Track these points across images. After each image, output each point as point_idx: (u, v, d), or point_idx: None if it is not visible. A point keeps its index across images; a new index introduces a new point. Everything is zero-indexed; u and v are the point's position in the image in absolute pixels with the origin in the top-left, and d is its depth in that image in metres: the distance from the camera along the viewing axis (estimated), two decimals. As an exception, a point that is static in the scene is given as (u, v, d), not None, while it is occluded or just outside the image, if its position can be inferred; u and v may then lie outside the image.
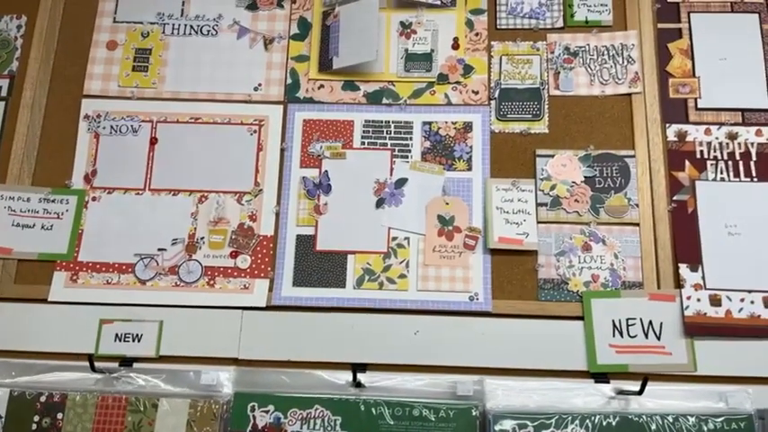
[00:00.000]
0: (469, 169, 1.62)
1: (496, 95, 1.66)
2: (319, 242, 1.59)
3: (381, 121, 1.66)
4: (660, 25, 1.68)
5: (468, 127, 1.64)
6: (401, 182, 1.62)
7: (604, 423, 1.31)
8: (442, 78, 1.68)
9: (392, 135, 1.65)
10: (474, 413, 1.36)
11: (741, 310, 1.47)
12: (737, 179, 1.56)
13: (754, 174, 1.56)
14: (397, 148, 1.64)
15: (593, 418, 1.32)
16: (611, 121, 1.62)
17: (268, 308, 1.54)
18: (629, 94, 1.64)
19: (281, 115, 1.68)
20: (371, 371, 1.48)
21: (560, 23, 1.70)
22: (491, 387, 1.40)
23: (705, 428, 1.28)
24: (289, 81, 1.71)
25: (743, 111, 1.61)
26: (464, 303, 1.53)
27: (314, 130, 1.67)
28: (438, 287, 1.54)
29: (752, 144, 1.58)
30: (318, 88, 1.70)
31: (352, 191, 1.62)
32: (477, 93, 1.67)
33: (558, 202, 1.57)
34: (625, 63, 1.65)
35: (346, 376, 1.44)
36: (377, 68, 1.69)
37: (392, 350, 1.50)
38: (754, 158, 1.57)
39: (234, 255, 1.58)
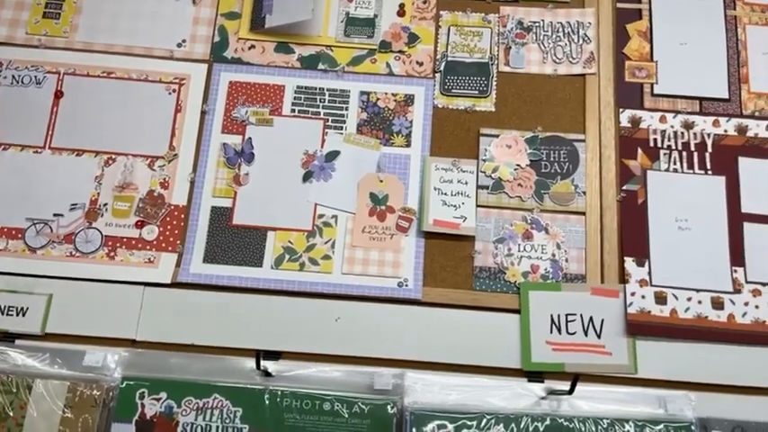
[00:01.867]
0: (408, 145, 1.48)
1: (442, 68, 1.53)
2: (237, 216, 1.43)
3: (315, 88, 1.52)
4: (619, 5, 1.57)
5: (409, 100, 1.51)
6: (333, 155, 1.47)
7: (531, 427, 1.18)
8: (385, 46, 1.54)
9: (326, 104, 1.51)
10: (391, 410, 1.22)
11: (687, 309, 1.37)
12: (691, 171, 1.46)
13: (708, 166, 1.46)
14: (330, 119, 1.50)
15: (520, 419, 1.19)
16: (562, 103, 1.51)
17: (173, 285, 1.38)
18: (583, 75, 1.52)
19: (205, 75, 1.52)
20: (286, 359, 1.33)
21: (515, -4, 1.58)
22: (411, 381, 1.26)
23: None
24: (216, 39, 1.55)
25: (701, 99, 1.51)
26: (392, 290, 1.39)
27: (240, 93, 1.51)
28: (365, 271, 1.40)
29: (708, 135, 1.48)
30: (249, 49, 1.55)
31: (277, 161, 1.47)
32: (421, 64, 1.53)
33: (501, 185, 1.45)
34: (580, 42, 1.54)
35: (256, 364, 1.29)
36: (314, 31, 1.55)
37: (310, 337, 1.35)
38: (709, 150, 1.47)
39: (140, 224, 1.42)
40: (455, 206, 1.43)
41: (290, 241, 1.42)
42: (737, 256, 1.41)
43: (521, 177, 1.45)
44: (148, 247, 1.40)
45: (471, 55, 1.54)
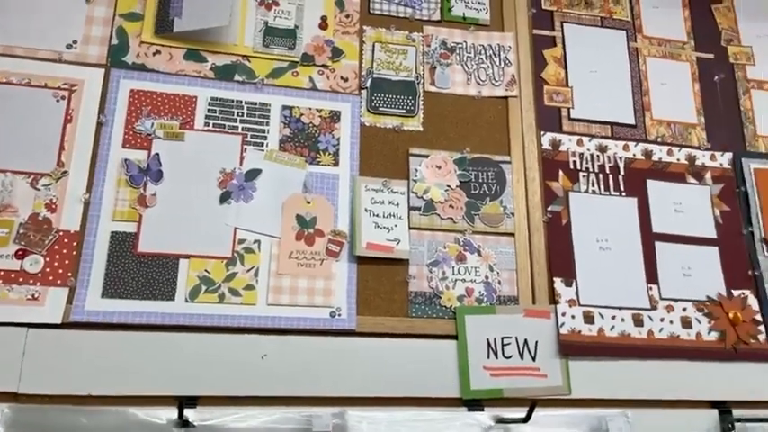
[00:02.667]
0: (336, 164, 1.39)
1: (368, 85, 1.47)
2: (143, 242, 1.25)
3: (232, 101, 1.38)
4: (536, 31, 1.61)
5: (335, 117, 1.42)
6: (253, 173, 1.34)
7: (485, 458, 1.12)
8: (307, 59, 1.45)
9: (244, 118, 1.38)
10: (334, 454, 1.10)
11: (613, 327, 1.40)
12: (607, 192, 1.52)
13: (622, 188, 1.53)
14: (249, 134, 1.37)
15: (471, 452, 1.13)
16: (488, 124, 1.50)
17: (65, 325, 1.17)
18: (506, 98, 1.53)
19: (101, 81, 1.33)
20: (204, 405, 1.16)
21: (437, 16, 1.57)
22: (354, 420, 1.15)
23: (589, 458, 1.16)
24: (114, 41, 1.37)
25: (612, 125, 1.58)
26: (324, 320, 1.28)
27: (144, 103, 1.34)
28: (293, 301, 1.28)
29: (620, 158, 1.55)
30: (153, 54, 1.38)
31: (189, 180, 1.31)
32: (346, 80, 1.46)
33: (433, 206, 1.40)
34: (502, 65, 1.55)
35: (170, 414, 1.11)
36: (229, 39, 1.42)
37: (232, 379, 1.20)
38: (622, 173, 1.54)
39: (21, 254, 1.19)
40: (388, 228, 1.36)
41: (206, 270, 1.26)
42: (652, 274, 1.47)
43: (452, 199, 1.42)
44: (32, 281, 1.18)
45: (397, 73, 1.49)
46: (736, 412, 1.38)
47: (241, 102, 1.39)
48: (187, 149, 1.33)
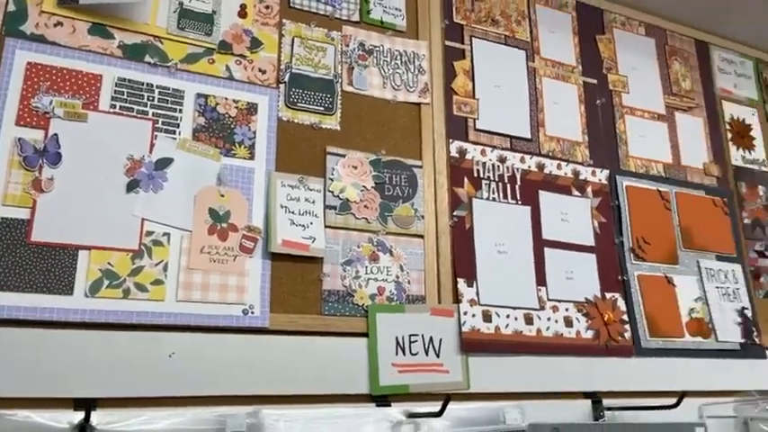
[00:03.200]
0: (252, 158, 1.36)
1: (286, 79, 1.45)
2: (37, 230, 1.14)
3: (142, 84, 1.30)
4: (447, 42, 1.68)
5: (252, 109, 1.39)
6: (164, 162, 1.27)
7: (399, 452, 1.17)
8: (225, 47, 1.40)
9: (156, 103, 1.30)
10: (249, 454, 1.08)
11: (507, 326, 1.51)
12: (506, 200, 1.62)
13: (518, 197, 1.64)
14: (161, 120, 1.30)
15: (384, 447, 1.17)
16: (402, 129, 1.55)
17: (-57, 321, 1.03)
18: (419, 104, 1.59)
19: (-8, 49, 1.19)
20: (106, 408, 1.09)
21: (357, 17, 1.58)
22: (270, 420, 1.14)
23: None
24: (12, 8, 1.23)
25: (511, 137, 1.69)
26: (236, 318, 1.25)
27: (43, 78, 1.21)
28: (205, 297, 1.23)
29: (517, 169, 1.67)
30: (55, 25, 1.26)
31: (92, 165, 1.22)
32: (264, 72, 1.43)
33: (348, 206, 1.42)
34: (416, 72, 1.61)
35: (70, 417, 1.03)
36: (140, 17, 1.33)
37: (137, 379, 1.13)
38: (518, 183, 1.66)
39: None
40: (303, 226, 1.36)
41: (109, 263, 1.18)
42: (541, 277, 1.60)
43: (367, 199, 1.44)
44: None
45: (316, 70, 1.49)
46: (606, 402, 1.55)
47: (152, 85, 1.31)
48: (90, 132, 1.23)
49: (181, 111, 1.32)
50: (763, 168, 2.12)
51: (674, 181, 1.91)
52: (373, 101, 1.53)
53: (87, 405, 1.07)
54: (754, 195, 2.07)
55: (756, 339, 1.85)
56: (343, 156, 1.45)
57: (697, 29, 2.15)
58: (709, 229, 1.92)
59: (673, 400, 1.53)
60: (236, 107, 1.37)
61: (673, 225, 1.86)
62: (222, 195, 1.31)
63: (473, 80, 1.68)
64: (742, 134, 2.13)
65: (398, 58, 1.60)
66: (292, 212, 1.35)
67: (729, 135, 2.10)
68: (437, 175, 1.55)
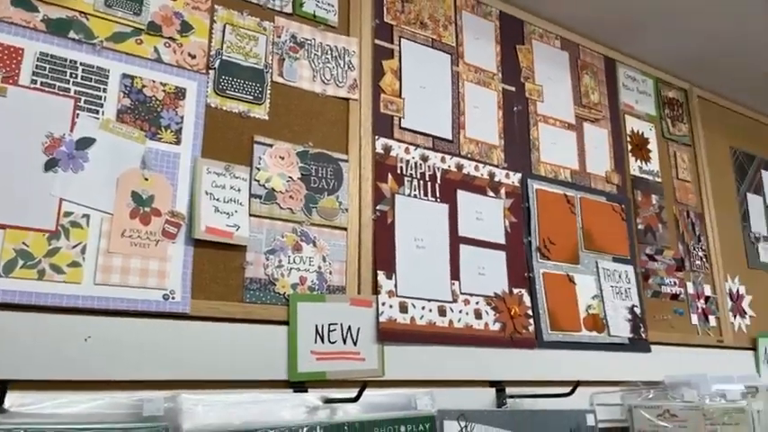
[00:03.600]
0: (178, 143, 1.35)
1: (216, 66, 1.45)
2: (-55, 206, 1.09)
3: (65, 60, 1.26)
4: (377, 41, 1.73)
5: (180, 93, 1.38)
6: (86, 142, 1.25)
7: (314, 436, 1.21)
8: (154, 28, 1.38)
9: (78, 81, 1.27)
10: (165, 437, 1.09)
11: (422, 317, 1.58)
12: (426, 198, 1.70)
13: (438, 195, 1.72)
14: (83, 99, 1.27)
15: (299, 430, 1.21)
16: (330, 122, 1.58)
17: None
18: (348, 99, 1.63)
19: None
20: (18, 390, 1.06)
21: (289, 9, 1.60)
22: (188, 404, 1.15)
23: (401, 430, 1.32)
24: None
25: (434, 138, 1.77)
26: (157, 303, 1.24)
27: (-45, 45, 1.16)
28: (124, 281, 1.22)
29: (438, 168, 1.75)
30: (-30, -9, 1.19)
31: (9, 141, 1.17)
32: (194, 57, 1.42)
33: (273, 195, 1.44)
34: (346, 68, 1.64)
35: (-23, 401, 1.00)
36: (66, -9, 1.29)
37: (52, 362, 1.11)
38: (438, 182, 1.74)
39: None
40: (228, 213, 1.37)
41: (24, 243, 1.14)
42: (455, 272, 1.69)
43: (292, 190, 1.47)
44: None
45: (246, 59, 1.49)
46: (509, 390, 1.67)
47: (76, 62, 1.27)
48: (8, 107, 1.18)
49: (105, 90, 1.29)
50: (657, 179, 2.33)
51: (579, 187, 2.06)
52: (302, 93, 1.56)
53: (0, 387, 1.04)
54: (648, 203, 2.26)
55: (643, 335, 2.04)
56: (271, 146, 1.47)
57: (606, 46, 2.32)
58: (607, 233, 2.08)
59: (568, 389, 1.67)
60: (164, 90, 1.36)
61: (576, 228, 2.01)
62: (146, 179, 1.29)
63: (400, 80, 1.74)
64: (640, 147, 2.32)
65: (329, 52, 1.63)
66: (217, 200, 1.36)
67: (629, 147, 2.28)
68: (362, 170, 1.60)
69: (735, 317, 2.38)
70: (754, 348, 2.38)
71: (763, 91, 2.67)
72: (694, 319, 2.25)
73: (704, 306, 2.29)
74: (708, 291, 2.33)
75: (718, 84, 2.62)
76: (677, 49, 2.36)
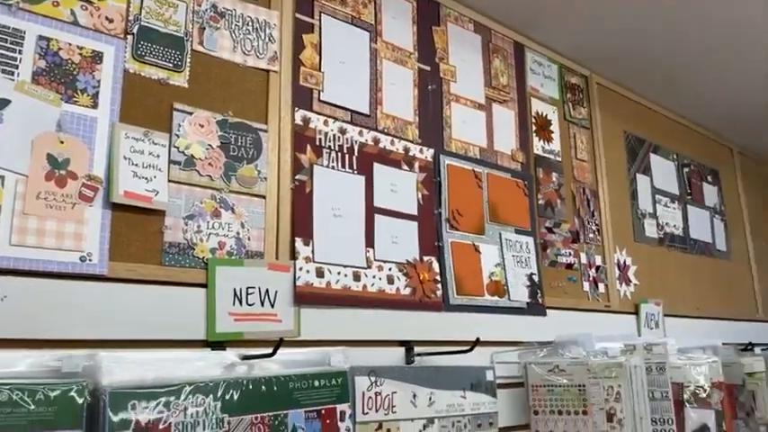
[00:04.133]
0: (95, 107, 1.36)
1: (135, 31, 1.45)
2: None
3: (-25, 17, 1.24)
4: (297, 15, 1.78)
5: (97, 57, 1.38)
6: (0, 103, 1.23)
7: (232, 391, 1.27)
8: (70, -10, 1.36)
9: (-10, 40, 1.25)
10: (79, 394, 1.12)
11: (338, 281, 1.68)
12: (344, 169, 1.78)
13: (355, 167, 1.81)
14: (-5, 59, 1.25)
15: (218, 386, 1.27)
16: (250, 92, 1.62)
17: None
18: (268, 71, 1.67)
19: None
20: (-74, 350, 1.07)
21: (210, -22, 1.61)
22: (107, 362, 1.19)
23: (315, 384, 1.41)
24: None
25: (352, 112, 1.85)
26: (73, 264, 1.26)
27: None
28: (40, 243, 1.23)
29: (356, 142, 1.83)
30: None
31: None
32: (111, 21, 1.42)
33: (193, 162, 1.48)
34: (266, 40, 1.68)
35: None
36: (-25, -55, 1.25)
37: (-37, 322, 1.12)
38: (356, 154, 1.82)
39: None
40: (147, 179, 1.39)
41: (-67, 203, 1.13)
42: (370, 240, 1.79)
43: (211, 157, 1.51)
44: None
45: (166, 25, 1.50)
46: (418, 349, 1.80)
47: (-13, 21, 1.25)
48: None
49: (20, 52, 1.28)
50: (558, 158, 2.52)
51: (486, 163, 2.21)
52: (223, 63, 1.59)
53: None
54: (549, 180, 2.45)
55: (540, 300, 2.23)
56: (191, 113, 1.50)
57: (516, 32, 2.46)
58: (511, 207, 2.25)
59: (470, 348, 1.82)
60: (80, 54, 1.36)
61: (483, 201, 2.16)
62: (62, 142, 1.30)
63: (320, 54, 1.80)
64: (544, 128, 2.50)
65: (250, 24, 1.66)
66: (136, 165, 1.38)
67: (534, 128, 2.46)
68: (281, 141, 1.65)
69: (621, 285, 2.64)
70: (636, 313, 2.65)
71: (656, 81, 2.92)
72: (586, 286, 2.48)
73: (595, 275, 2.52)
74: (598, 261, 2.56)
75: (615, 72, 2.85)
76: (580, 39, 2.55)
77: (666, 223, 3.01)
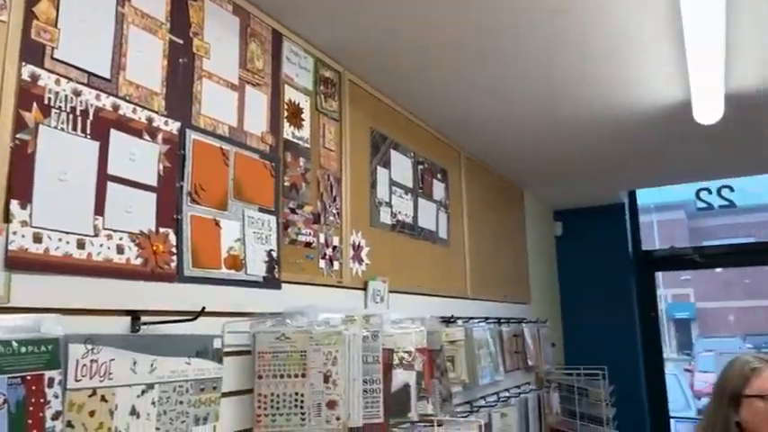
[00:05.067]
0: None
1: None
2: None
3: None
4: (32, -37, 1.66)
5: None
6: None
7: None
8: None
9: None
10: None
11: (58, 248, 1.63)
12: (75, 132, 1.73)
13: (89, 131, 1.76)
14: None
15: None
16: (-36, 38, 1.49)
17: None
18: (-9, 19, 1.55)
19: None
20: None
21: None
22: None
23: (22, 351, 1.37)
24: None
25: (90, 74, 1.79)
26: None
27: None
28: None
29: (92, 105, 1.78)
30: None
31: None
32: None
33: None
34: (-10, -17, 1.55)
35: None
36: None
37: None
38: (91, 118, 1.77)
39: None
40: None
41: None
42: (100, 208, 1.77)
43: None
44: None
45: None
46: (145, 319, 1.83)
47: None
48: None
49: None
50: (306, 145, 2.72)
51: (235, 142, 2.30)
52: (-69, 1, 1.43)
53: None
54: (296, 165, 2.63)
55: (276, 275, 2.41)
56: None
57: (276, 21, 2.59)
58: (256, 186, 2.38)
59: (204, 319, 1.91)
60: None
61: (228, 179, 2.25)
62: None
63: (57, 9, 1.71)
64: (295, 115, 2.67)
65: (-29, -37, 1.52)
66: None
67: (286, 114, 2.61)
68: (3, 96, 1.55)
69: (354, 263, 2.95)
70: (365, 289, 2.99)
71: (398, 83, 3.29)
72: (322, 263, 2.72)
73: (331, 254, 2.79)
74: (336, 241, 2.83)
75: (366, 71, 3.14)
76: (336, 35, 2.76)
77: (399, 212, 3.43)
